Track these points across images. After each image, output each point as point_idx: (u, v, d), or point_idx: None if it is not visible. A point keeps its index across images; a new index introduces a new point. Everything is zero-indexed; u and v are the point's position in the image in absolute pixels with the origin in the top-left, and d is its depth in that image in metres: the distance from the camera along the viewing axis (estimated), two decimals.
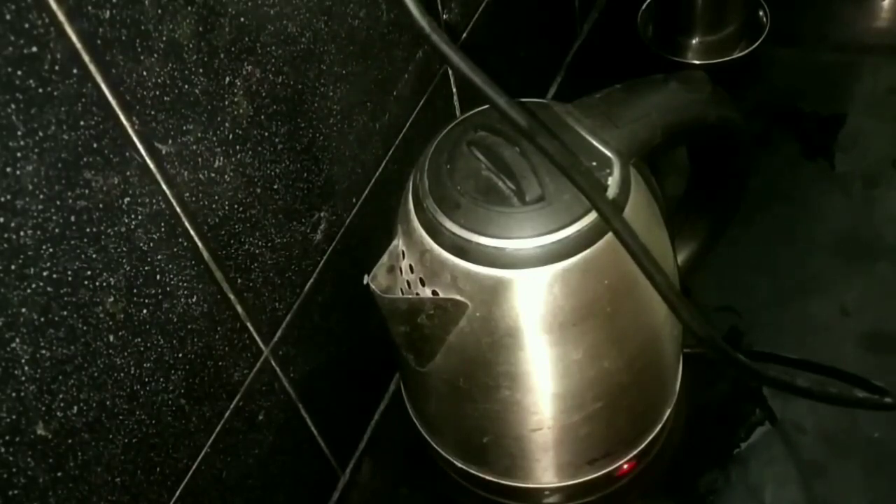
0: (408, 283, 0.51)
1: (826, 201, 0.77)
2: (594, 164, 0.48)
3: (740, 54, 0.90)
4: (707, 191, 0.62)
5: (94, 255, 0.38)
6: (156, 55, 0.39)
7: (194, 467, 0.48)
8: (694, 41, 0.91)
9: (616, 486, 0.60)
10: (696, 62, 0.91)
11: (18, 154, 0.34)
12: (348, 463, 0.66)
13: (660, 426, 0.60)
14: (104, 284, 0.39)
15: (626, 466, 0.59)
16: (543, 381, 0.51)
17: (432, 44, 0.36)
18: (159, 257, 0.42)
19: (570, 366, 0.50)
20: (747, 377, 0.64)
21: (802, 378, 0.57)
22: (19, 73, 0.33)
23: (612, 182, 0.47)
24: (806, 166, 0.80)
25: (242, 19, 0.43)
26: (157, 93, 0.39)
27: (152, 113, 0.39)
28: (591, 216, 0.46)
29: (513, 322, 0.48)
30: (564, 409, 0.53)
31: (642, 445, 0.59)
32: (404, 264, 0.51)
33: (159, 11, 0.38)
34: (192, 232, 0.44)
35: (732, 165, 0.59)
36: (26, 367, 0.36)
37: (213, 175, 0.44)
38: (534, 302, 0.47)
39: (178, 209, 0.42)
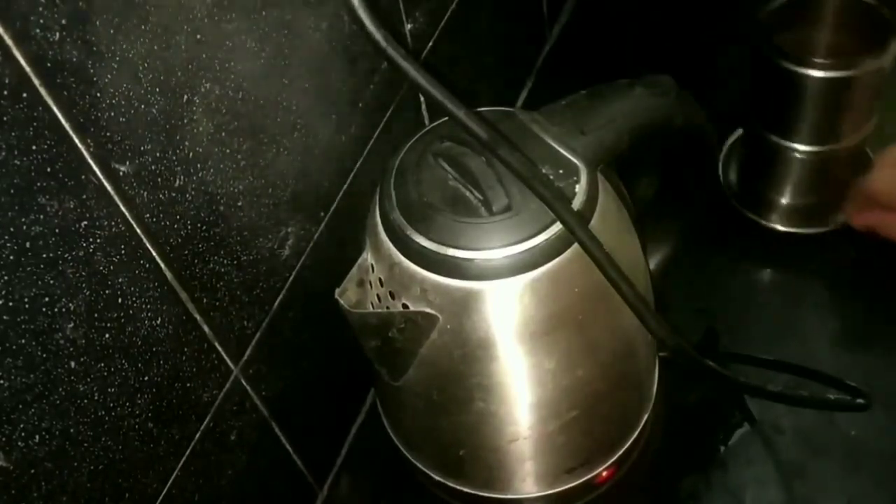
0: (378, 296, 0.50)
1: None
2: (561, 171, 0.47)
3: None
4: (677, 193, 0.62)
5: (51, 281, 0.37)
6: (109, 76, 0.38)
7: (165, 491, 0.47)
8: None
9: (596, 494, 0.60)
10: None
11: None
12: (326, 479, 0.65)
13: (637, 431, 0.59)
14: (63, 310, 0.38)
15: (605, 474, 0.59)
16: (517, 392, 0.51)
17: (388, 57, 0.36)
18: (120, 280, 0.41)
19: (544, 375, 0.50)
20: (718, 383, 0.64)
21: (774, 382, 0.57)
22: None
23: (580, 189, 0.47)
24: None
25: (199, 36, 0.43)
26: (113, 114, 0.39)
27: (108, 134, 0.39)
28: (559, 225, 0.46)
29: (484, 333, 0.48)
30: (540, 419, 0.52)
31: (621, 452, 0.59)
32: (373, 278, 0.50)
33: (111, 31, 0.38)
34: (153, 253, 0.43)
35: (701, 167, 0.59)
36: None
37: (173, 195, 0.43)
38: (504, 313, 0.47)
39: (138, 230, 0.42)
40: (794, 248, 0.75)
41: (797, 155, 0.71)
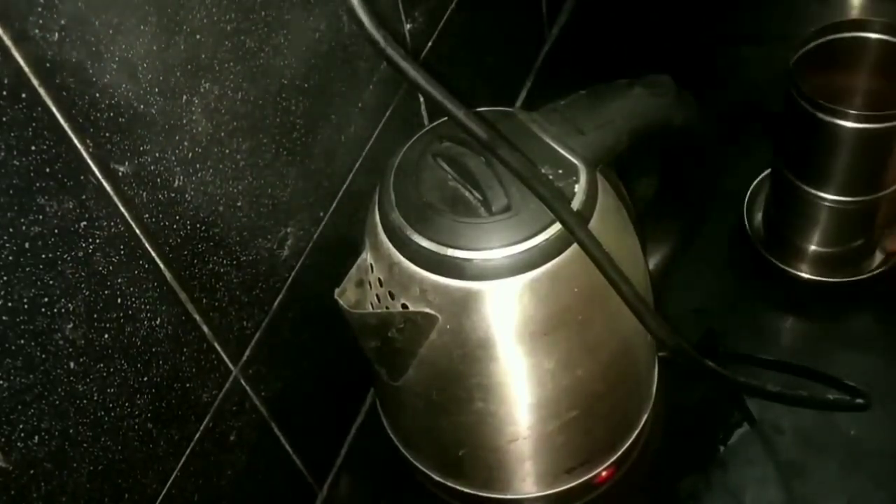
0: (377, 296, 0.50)
1: None
2: (560, 171, 0.47)
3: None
4: (676, 193, 0.62)
5: (50, 282, 0.37)
6: (109, 76, 0.38)
7: (164, 492, 0.47)
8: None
9: (596, 494, 0.60)
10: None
11: None
12: (325, 479, 0.65)
13: (637, 431, 0.59)
14: (62, 311, 0.38)
15: (604, 473, 0.59)
16: (517, 392, 0.51)
17: (387, 57, 0.36)
18: (119, 280, 0.41)
19: (543, 375, 0.50)
20: (718, 383, 0.64)
21: (774, 382, 0.57)
22: None
23: (579, 189, 0.47)
24: None
25: (198, 36, 0.43)
26: (112, 114, 0.39)
27: (107, 135, 0.39)
28: (559, 225, 0.46)
29: (483, 334, 0.47)
30: (539, 419, 0.52)
31: (620, 452, 0.59)
32: (373, 278, 0.50)
33: (111, 32, 0.38)
34: (153, 253, 0.43)
35: (699, 167, 0.59)
36: None
37: (172, 195, 0.43)
38: (504, 313, 0.47)
39: (137, 231, 0.41)
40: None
41: (828, 204, 0.67)
